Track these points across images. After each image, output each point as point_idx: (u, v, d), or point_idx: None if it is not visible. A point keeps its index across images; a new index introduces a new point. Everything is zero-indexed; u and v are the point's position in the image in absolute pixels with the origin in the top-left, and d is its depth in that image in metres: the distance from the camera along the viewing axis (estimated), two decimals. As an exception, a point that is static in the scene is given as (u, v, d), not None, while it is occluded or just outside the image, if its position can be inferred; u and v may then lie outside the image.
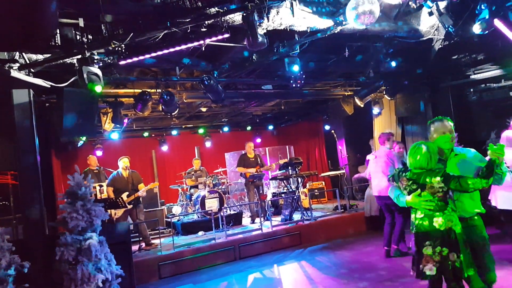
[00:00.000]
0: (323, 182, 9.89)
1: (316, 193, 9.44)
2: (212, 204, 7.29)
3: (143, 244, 6.24)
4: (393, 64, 5.88)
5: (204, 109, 8.21)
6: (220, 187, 7.93)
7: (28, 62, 4.14)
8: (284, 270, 5.25)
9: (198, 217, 7.43)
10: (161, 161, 10.37)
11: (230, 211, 7.89)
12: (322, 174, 9.35)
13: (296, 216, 7.17)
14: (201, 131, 10.33)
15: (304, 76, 5.52)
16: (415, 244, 2.72)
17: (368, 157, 5.62)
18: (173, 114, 6.01)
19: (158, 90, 5.67)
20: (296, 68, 5.09)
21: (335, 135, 8.73)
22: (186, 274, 5.58)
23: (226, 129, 10.63)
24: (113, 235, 4.43)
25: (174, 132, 10.00)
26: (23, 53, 4.13)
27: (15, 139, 4.35)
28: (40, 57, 4.27)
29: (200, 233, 6.95)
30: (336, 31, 4.54)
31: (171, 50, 4.08)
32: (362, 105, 7.37)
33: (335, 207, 7.75)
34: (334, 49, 5.68)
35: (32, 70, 4.37)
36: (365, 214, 7.05)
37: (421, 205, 2.65)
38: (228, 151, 10.20)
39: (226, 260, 5.95)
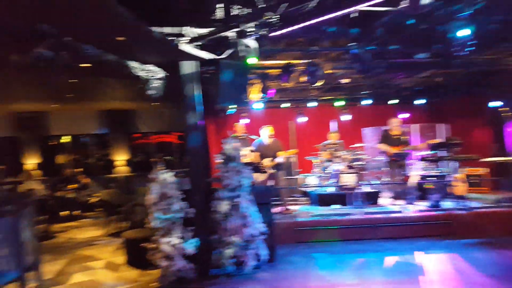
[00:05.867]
0: (484, 169, 8.77)
1: (474, 181, 8.49)
2: (348, 179, 7.44)
3: (281, 208, 6.93)
4: None
5: (345, 81, 8.24)
6: (357, 162, 7.99)
7: (193, 36, 4.94)
8: (429, 260, 5.08)
9: (334, 190, 7.71)
10: (297, 132, 10.93)
11: (366, 188, 7.90)
12: (485, 160, 8.29)
13: (447, 204, 6.69)
14: (339, 103, 10.38)
15: (473, 42, 4.94)
16: None
17: None
18: (316, 84, 6.28)
19: (303, 61, 6.00)
20: (465, 33, 4.59)
21: (507, 115, 7.57)
22: (320, 243, 5.99)
23: (366, 102, 10.40)
24: (258, 196, 5.08)
25: (312, 104, 10.34)
26: (189, 28, 4.94)
27: (182, 105, 5.33)
28: (200, 31, 5.04)
29: (335, 206, 7.24)
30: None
31: (323, 18, 4.25)
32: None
33: (499, 199, 6.89)
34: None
35: (195, 43, 5.20)
36: (541, 211, 6.08)
37: None
38: (367, 126, 10.01)
39: (361, 238, 6.09)
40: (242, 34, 4.42)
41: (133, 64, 4.50)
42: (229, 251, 4.65)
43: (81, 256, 6.19)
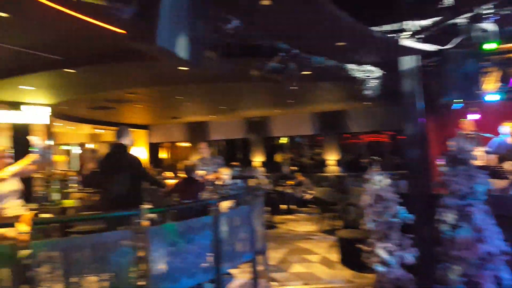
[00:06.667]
0: None
1: None
2: None
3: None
4: None
5: None
6: None
7: (415, 30, 4.67)
8: None
9: None
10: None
11: None
12: None
13: None
14: None
15: None
16: None
17: None
18: None
19: None
20: None
21: None
22: None
23: None
24: (497, 206, 4.30)
25: None
26: (411, 21, 4.69)
27: (399, 102, 5.10)
28: (423, 23, 4.68)
29: None
30: None
31: None
32: None
33: None
34: None
35: (416, 37, 4.90)
36: None
37: None
38: None
39: None
40: (476, 18, 3.85)
41: (351, 66, 4.64)
42: (458, 268, 4.13)
43: (298, 248, 6.82)
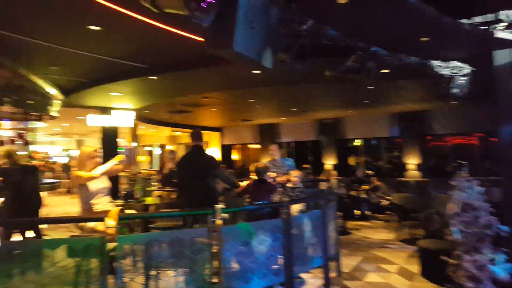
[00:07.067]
0: None
1: None
2: None
3: None
4: None
5: None
6: None
7: (511, 20, 4.20)
8: None
9: None
10: None
11: None
12: None
13: None
14: None
15: None
16: None
17: None
18: None
19: None
20: None
21: None
22: None
23: None
24: None
25: None
26: (507, 11, 4.23)
27: (493, 101, 4.62)
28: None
29: None
30: None
31: None
32: None
33: None
34: None
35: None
36: None
37: None
38: None
39: None
40: None
41: (436, 62, 4.31)
42: None
43: (374, 256, 6.50)
